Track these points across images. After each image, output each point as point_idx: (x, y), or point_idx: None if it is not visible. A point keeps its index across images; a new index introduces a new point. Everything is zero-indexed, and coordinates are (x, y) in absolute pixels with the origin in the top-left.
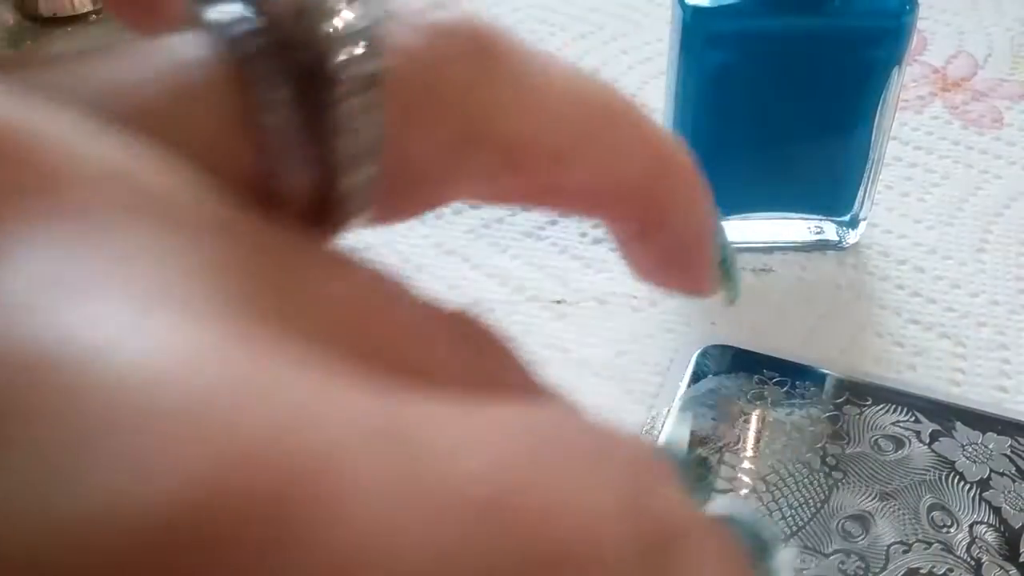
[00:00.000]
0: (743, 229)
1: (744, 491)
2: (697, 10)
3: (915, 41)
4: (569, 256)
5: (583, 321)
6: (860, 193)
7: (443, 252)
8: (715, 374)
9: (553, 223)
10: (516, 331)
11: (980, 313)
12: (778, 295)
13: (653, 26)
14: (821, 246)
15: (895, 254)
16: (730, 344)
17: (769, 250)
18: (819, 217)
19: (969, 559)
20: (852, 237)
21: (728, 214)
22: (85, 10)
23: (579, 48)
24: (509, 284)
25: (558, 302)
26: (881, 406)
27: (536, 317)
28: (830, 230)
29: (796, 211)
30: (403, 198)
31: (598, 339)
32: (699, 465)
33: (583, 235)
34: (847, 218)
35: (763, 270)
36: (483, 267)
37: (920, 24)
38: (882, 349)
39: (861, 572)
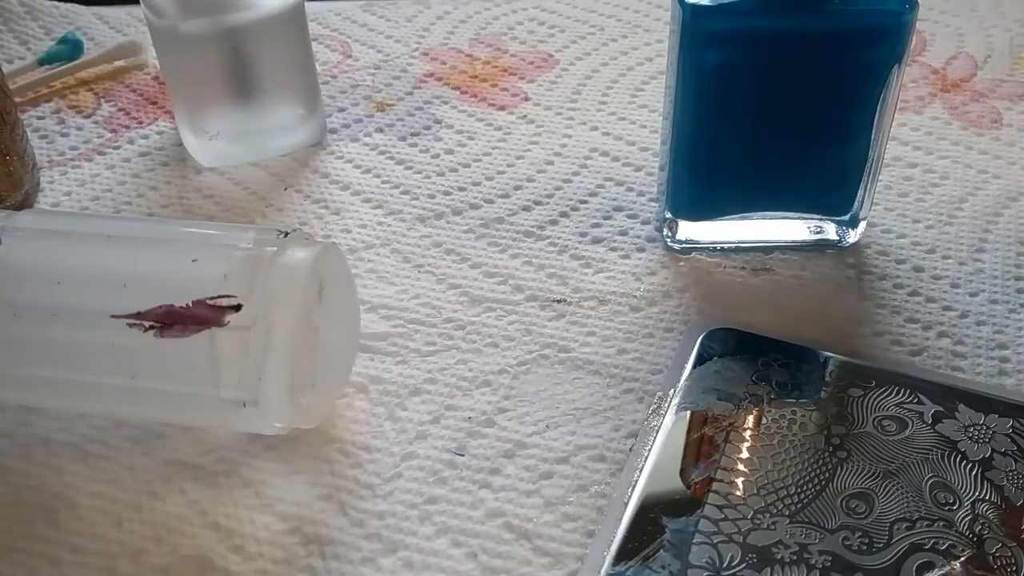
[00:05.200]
0: (743, 229)
1: (749, 470)
2: (697, 10)
3: (915, 41)
4: (569, 256)
5: (583, 321)
6: (860, 193)
7: (443, 252)
8: (720, 356)
9: (553, 223)
10: (516, 331)
11: (979, 312)
12: (778, 295)
13: (653, 26)
14: (821, 246)
15: (894, 253)
16: (735, 327)
17: (769, 250)
18: (819, 217)
19: (971, 535)
20: (852, 237)
21: (728, 214)
22: None
23: (579, 49)
24: (509, 284)
25: (558, 302)
26: (884, 388)
27: (536, 317)
28: (830, 230)
29: (796, 211)
30: None
31: (598, 339)
32: None
33: (583, 235)
34: (847, 218)
35: (763, 270)
36: (483, 267)
37: (920, 24)
38: (881, 348)
39: (865, 547)
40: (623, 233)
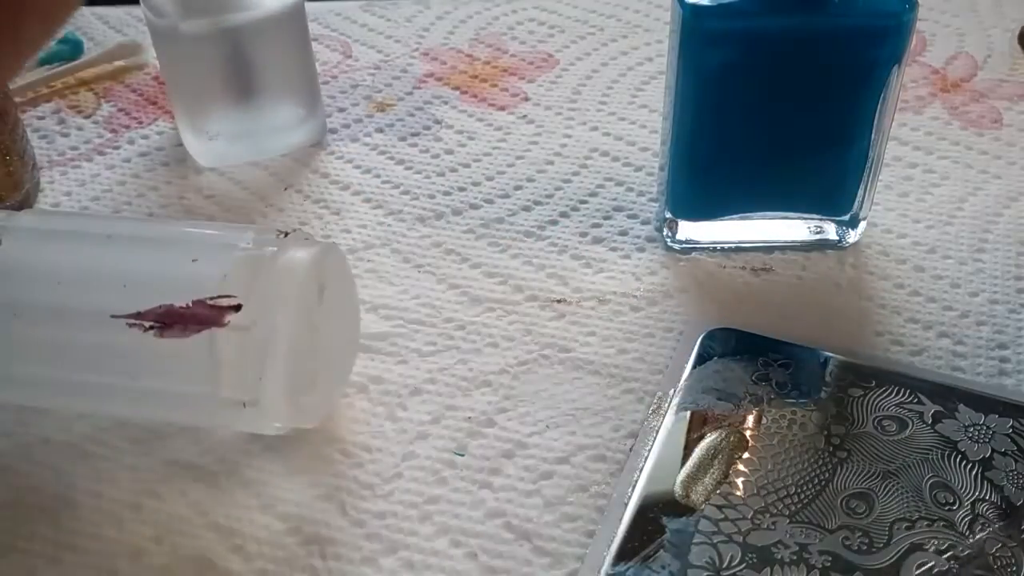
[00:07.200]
0: (743, 229)
1: (749, 470)
2: (697, 10)
3: (915, 41)
4: (569, 256)
5: (583, 321)
6: (860, 193)
7: (443, 252)
8: (720, 357)
9: (553, 223)
10: (516, 331)
11: (979, 312)
12: (778, 295)
13: (653, 26)
14: (821, 246)
15: (895, 253)
16: (735, 327)
17: (769, 250)
18: (819, 217)
19: (971, 535)
20: (852, 237)
21: (728, 214)
22: None
23: (579, 49)
24: (509, 284)
25: (558, 302)
26: (884, 388)
27: (536, 317)
28: (830, 230)
29: (796, 211)
30: None
31: (598, 339)
32: None
33: (583, 235)
34: (847, 218)
35: (763, 270)
36: (483, 267)
37: (920, 24)
38: (882, 348)
39: (864, 547)
40: (623, 233)
